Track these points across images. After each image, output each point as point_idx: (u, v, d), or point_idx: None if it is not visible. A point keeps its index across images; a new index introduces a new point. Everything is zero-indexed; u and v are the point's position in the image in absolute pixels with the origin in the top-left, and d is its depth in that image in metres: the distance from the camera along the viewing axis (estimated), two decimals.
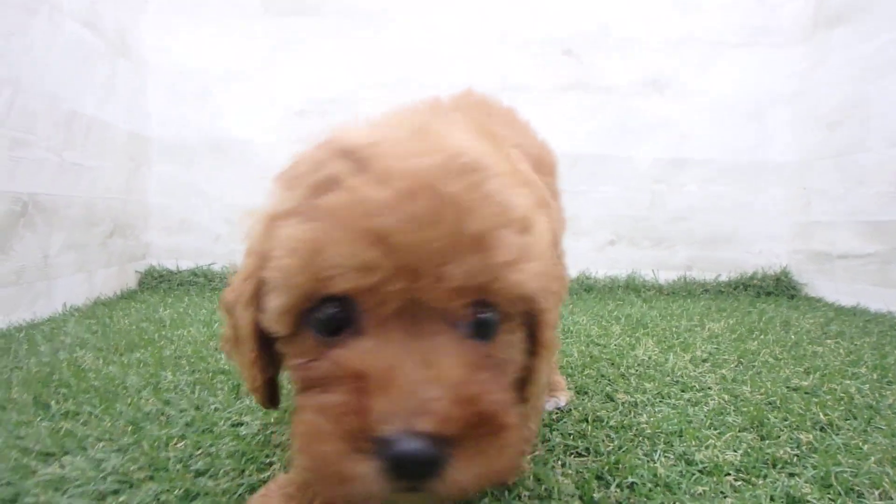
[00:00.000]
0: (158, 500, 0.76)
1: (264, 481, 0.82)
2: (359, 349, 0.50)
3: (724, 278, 2.96)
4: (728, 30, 2.88)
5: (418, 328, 0.50)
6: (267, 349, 0.61)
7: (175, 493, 0.78)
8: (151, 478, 0.82)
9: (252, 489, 0.79)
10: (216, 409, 1.09)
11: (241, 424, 1.02)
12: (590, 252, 2.94)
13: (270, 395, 0.66)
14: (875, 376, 1.47)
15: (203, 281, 2.61)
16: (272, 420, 1.04)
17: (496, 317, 0.54)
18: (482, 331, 0.54)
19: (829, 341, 1.88)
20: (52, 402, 1.07)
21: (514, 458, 0.51)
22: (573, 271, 2.91)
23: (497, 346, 0.55)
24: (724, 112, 2.91)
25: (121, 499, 0.76)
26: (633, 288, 2.86)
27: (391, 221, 0.47)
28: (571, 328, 1.99)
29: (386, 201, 0.48)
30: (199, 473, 0.84)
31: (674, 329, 2.05)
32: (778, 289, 2.89)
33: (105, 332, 1.64)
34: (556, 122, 2.87)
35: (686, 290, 2.90)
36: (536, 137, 1.14)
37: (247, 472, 0.85)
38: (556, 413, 1.18)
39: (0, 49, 1.62)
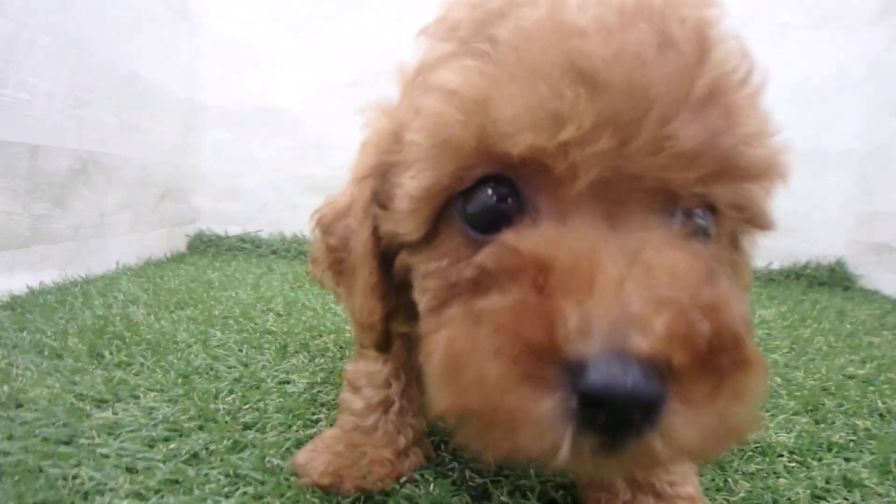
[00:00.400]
0: (207, 448, 0.77)
1: (311, 437, 0.81)
2: (537, 236, 0.35)
3: (776, 266, 2.85)
4: (796, 10, 2.74)
5: (625, 216, 0.35)
6: (385, 274, 0.49)
7: (224, 443, 0.78)
8: (201, 428, 0.83)
9: (299, 444, 0.79)
10: (263, 367, 1.10)
11: (288, 383, 1.03)
12: None
13: (385, 338, 0.53)
14: None
15: (250, 247, 2.64)
16: (318, 380, 1.05)
17: (712, 217, 0.40)
18: (698, 233, 0.39)
19: (886, 332, 1.80)
20: (106, 353, 1.09)
21: (756, 406, 0.34)
22: None
23: (716, 255, 0.41)
24: (787, 96, 2.77)
25: (171, 446, 0.77)
26: None
27: (598, 51, 0.32)
28: None
29: (590, 24, 0.33)
30: (247, 426, 0.85)
31: None
32: (832, 279, 2.77)
33: (156, 291, 1.68)
34: None
35: None
36: None
37: (294, 428, 0.85)
38: None
39: (64, 6, 1.65)
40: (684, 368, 0.30)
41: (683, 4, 0.35)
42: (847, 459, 0.87)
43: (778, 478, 0.81)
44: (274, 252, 2.60)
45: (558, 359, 0.29)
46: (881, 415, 1.07)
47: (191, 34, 2.48)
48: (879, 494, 0.76)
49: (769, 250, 2.86)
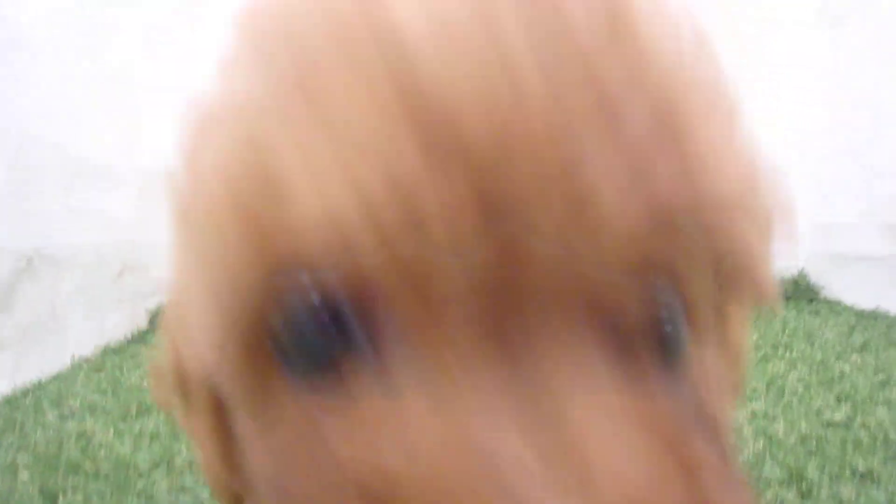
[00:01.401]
0: None
1: None
2: (397, 422, 0.17)
3: None
4: (748, 8, 2.80)
5: (534, 361, 0.18)
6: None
7: None
8: None
9: None
10: None
11: None
12: None
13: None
14: None
15: None
16: None
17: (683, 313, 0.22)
18: (666, 344, 0.21)
19: (854, 356, 1.82)
20: (61, 495, 1.02)
21: None
22: None
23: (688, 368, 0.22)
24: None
25: None
26: None
27: (449, 76, 0.16)
28: None
29: (431, 26, 0.17)
30: None
31: None
32: (796, 292, 2.82)
33: (115, 391, 1.60)
34: None
35: None
36: None
37: None
38: None
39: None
40: None
41: None
42: None
43: None
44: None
45: None
46: (862, 476, 1.07)
47: (138, 103, 2.41)
48: None
49: None
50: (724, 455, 0.19)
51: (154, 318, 2.55)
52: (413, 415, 0.17)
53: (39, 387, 1.65)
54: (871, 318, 2.41)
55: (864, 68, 2.58)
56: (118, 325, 2.26)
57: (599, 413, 0.17)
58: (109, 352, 2.06)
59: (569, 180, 0.17)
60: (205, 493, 1.03)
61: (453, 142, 0.16)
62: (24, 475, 1.09)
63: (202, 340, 0.22)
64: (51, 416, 1.41)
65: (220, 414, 0.26)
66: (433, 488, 0.15)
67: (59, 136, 1.85)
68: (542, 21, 0.17)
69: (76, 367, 1.84)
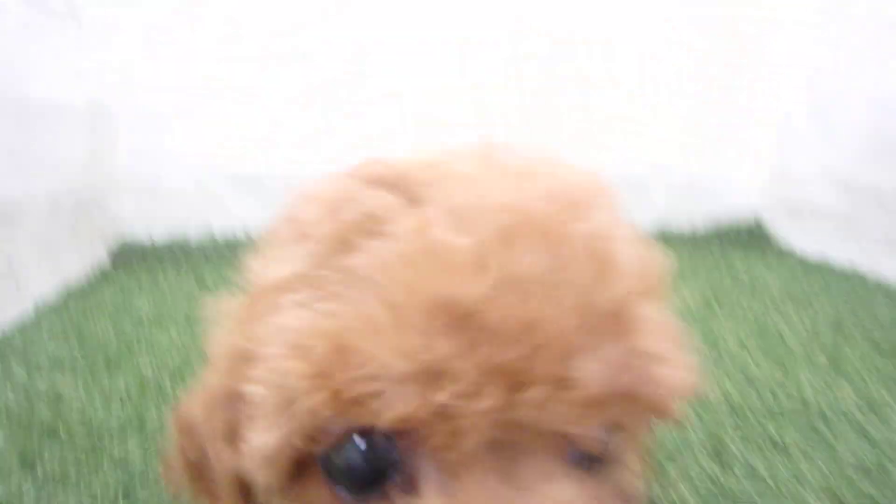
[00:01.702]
0: None
1: None
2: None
3: (699, 227, 3.00)
4: None
5: (524, 474, 0.29)
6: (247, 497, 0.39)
7: None
8: None
9: None
10: None
11: None
12: None
13: None
14: (830, 367, 1.55)
15: (179, 254, 2.55)
16: None
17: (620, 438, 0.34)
18: (606, 456, 0.33)
19: (791, 313, 1.96)
20: (38, 462, 1.09)
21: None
22: None
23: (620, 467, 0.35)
24: (704, 56, 2.83)
25: None
26: None
27: (478, 288, 0.27)
28: None
29: (467, 253, 0.28)
30: None
31: None
32: (750, 239, 2.95)
33: (81, 341, 1.64)
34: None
35: (662, 240, 2.86)
36: None
37: None
38: None
39: None
40: None
41: (570, 217, 0.30)
42: None
43: None
44: (206, 257, 2.53)
45: None
46: (776, 445, 1.20)
47: (83, 36, 2.28)
48: None
49: (691, 211, 3.00)
50: None
51: (116, 257, 2.54)
52: None
53: (4, 341, 1.67)
54: (815, 269, 2.56)
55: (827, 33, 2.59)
56: (78, 268, 2.26)
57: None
58: (72, 296, 2.07)
59: (556, 366, 0.27)
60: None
61: (483, 331, 0.27)
62: (1, 441, 1.15)
63: (255, 454, 0.33)
64: (19, 373, 1.45)
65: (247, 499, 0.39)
66: None
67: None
68: (541, 252, 0.28)
69: (40, 316, 1.86)
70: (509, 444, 0.29)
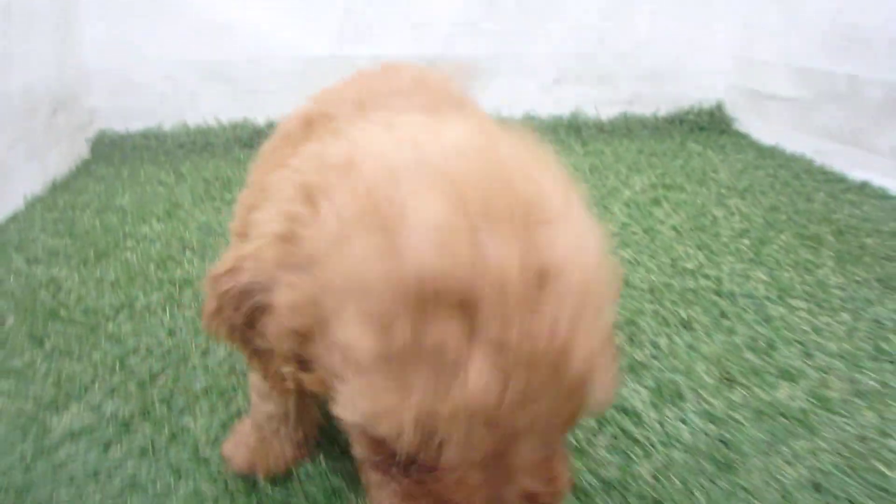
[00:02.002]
0: (153, 444, 1.00)
1: (232, 415, 1.06)
2: (447, 481, 0.45)
3: (662, 113, 3.06)
4: None
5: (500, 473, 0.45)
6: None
7: (164, 435, 1.02)
8: (143, 420, 1.05)
9: (223, 425, 1.04)
10: (187, 334, 1.30)
11: (208, 352, 1.24)
12: (535, 91, 2.97)
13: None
14: (752, 254, 1.72)
15: (155, 144, 2.61)
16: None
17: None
18: None
19: (732, 203, 2.10)
20: (46, 339, 1.26)
21: None
22: (517, 111, 2.97)
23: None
24: None
25: (123, 446, 1.00)
26: (574, 128, 2.96)
27: (500, 405, 0.40)
28: None
29: (500, 387, 0.40)
30: (180, 412, 1.08)
31: (600, 188, 2.23)
32: (711, 124, 3.02)
33: (72, 233, 1.78)
34: None
35: (626, 127, 3.01)
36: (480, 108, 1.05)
37: (218, 409, 1.09)
38: None
39: None
40: None
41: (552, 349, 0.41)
42: (638, 382, 1.19)
43: None
44: (181, 146, 2.60)
45: None
46: (683, 324, 1.38)
47: None
48: (644, 424, 1.08)
49: (656, 97, 3.05)
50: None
51: (96, 148, 2.61)
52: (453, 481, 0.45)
53: (1, 231, 1.80)
54: (769, 156, 2.67)
55: None
56: (62, 162, 2.34)
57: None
58: (58, 189, 2.18)
59: (530, 434, 0.43)
60: (162, 333, 1.29)
61: (480, 419, 0.40)
62: (10, 321, 1.32)
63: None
64: (18, 262, 1.60)
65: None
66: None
67: None
68: (522, 378, 0.40)
69: (30, 208, 1.98)
70: (499, 470, 0.44)
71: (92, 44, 2.48)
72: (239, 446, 0.95)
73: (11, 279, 1.50)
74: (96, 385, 1.14)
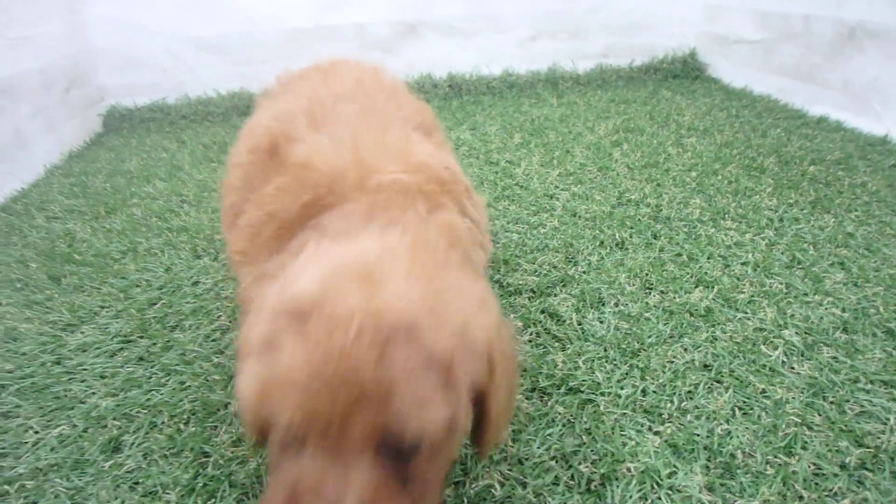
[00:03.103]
0: (149, 352, 1.18)
1: (215, 330, 1.23)
2: (297, 463, 0.60)
3: (637, 63, 3.12)
4: None
5: (342, 454, 0.59)
6: None
7: (158, 346, 1.19)
8: (141, 336, 1.23)
9: (206, 337, 1.21)
10: (181, 269, 1.47)
11: (198, 283, 1.41)
12: (512, 48, 3.04)
13: None
14: (695, 185, 1.82)
15: (160, 115, 2.78)
16: (220, 277, 1.43)
17: (410, 446, 0.61)
18: (401, 456, 0.61)
19: (688, 142, 2.18)
20: (62, 278, 1.44)
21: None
22: (496, 69, 3.06)
23: (417, 465, 0.63)
24: None
25: (124, 354, 1.18)
26: (552, 82, 3.04)
27: (314, 381, 0.57)
28: (476, 144, 2.27)
29: (311, 363, 0.57)
30: (172, 328, 1.25)
31: (566, 134, 2.33)
32: (684, 71, 3.07)
33: (86, 194, 1.95)
34: None
35: (601, 79, 3.08)
36: (412, 100, 1.16)
37: (203, 325, 1.25)
38: None
39: None
40: None
41: (367, 348, 0.57)
42: (565, 293, 1.32)
43: (513, 313, 1.26)
44: (183, 117, 2.76)
45: None
46: (618, 244, 1.51)
47: None
48: (565, 324, 1.22)
49: (630, 48, 3.10)
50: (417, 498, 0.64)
51: (108, 121, 2.78)
52: (305, 462, 0.60)
53: (24, 195, 1.99)
54: (737, 96, 2.73)
55: None
56: (76, 134, 2.52)
57: (358, 477, 0.59)
58: (74, 157, 2.36)
59: (345, 414, 0.58)
60: (160, 270, 1.46)
61: (318, 398, 0.57)
62: (32, 266, 1.51)
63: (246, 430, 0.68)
64: (39, 219, 1.78)
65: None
66: (307, 482, 0.60)
67: None
68: (346, 370, 0.57)
69: (49, 175, 2.16)
70: (340, 436, 0.58)
71: (98, 25, 2.63)
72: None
73: (34, 233, 1.69)
74: (104, 311, 1.31)
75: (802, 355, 1.12)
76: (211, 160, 2.22)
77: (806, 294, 1.29)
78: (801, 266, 1.38)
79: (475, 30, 2.96)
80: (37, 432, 1.00)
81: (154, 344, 1.20)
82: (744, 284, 1.32)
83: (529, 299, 1.30)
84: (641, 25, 3.05)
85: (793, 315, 1.22)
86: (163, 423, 1.00)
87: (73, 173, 2.16)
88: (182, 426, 0.99)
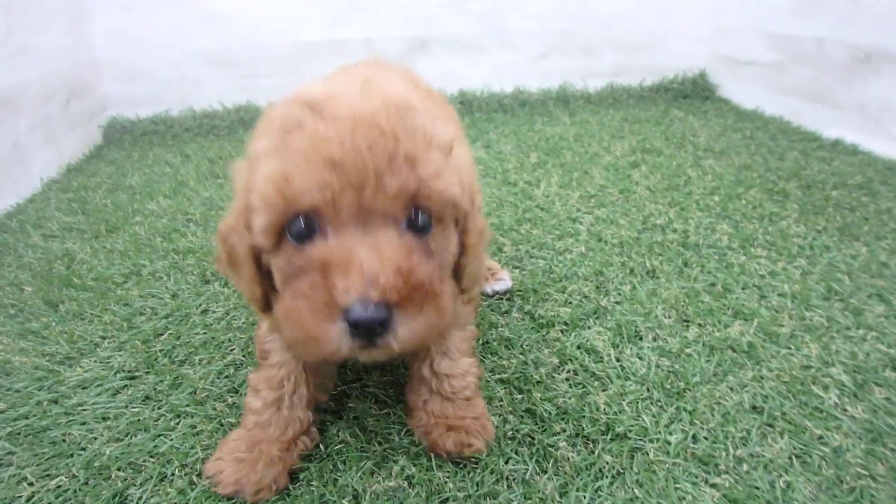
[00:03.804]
0: (156, 390, 1.08)
1: (228, 365, 1.13)
2: (324, 245, 0.63)
3: (647, 83, 3.06)
4: None
5: (368, 227, 0.62)
6: (260, 268, 0.74)
7: (166, 383, 1.09)
8: (147, 371, 1.12)
9: (220, 373, 1.11)
10: (188, 296, 1.37)
11: (208, 311, 1.31)
12: (523, 66, 2.98)
13: (266, 303, 0.77)
14: (720, 209, 1.74)
15: (164, 129, 2.67)
16: (232, 305, 1.33)
17: (428, 218, 0.67)
18: (419, 228, 0.66)
19: (707, 164, 2.12)
20: (60, 304, 1.34)
21: (445, 318, 0.65)
22: (508, 86, 2.99)
23: (432, 239, 0.68)
24: None
25: (129, 392, 1.07)
26: (563, 99, 2.97)
27: (340, 151, 0.59)
28: (492, 163, 2.20)
29: (336, 136, 0.60)
30: (180, 363, 1.15)
31: (582, 154, 2.26)
32: (695, 91, 3.02)
33: (85, 211, 1.85)
34: None
35: (612, 98, 3.02)
36: (439, 96, 1.15)
37: (215, 359, 1.15)
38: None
39: None
40: (398, 302, 0.59)
41: (386, 115, 0.62)
42: (600, 324, 1.23)
43: (547, 345, 1.17)
44: (187, 130, 2.66)
45: (336, 307, 0.59)
46: (649, 272, 1.42)
47: None
48: (603, 361, 1.14)
49: (640, 67, 3.05)
50: (436, 268, 0.68)
51: (108, 133, 2.68)
52: (330, 243, 0.64)
53: (19, 210, 1.88)
54: (748, 118, 2.67)
55: None
56: (76, 147, 2.41)
57: (388, 244, 0.63)
58: (73, 172, 2.24)
59: (374, 179, 0.62)
60: (166, 297, 1.36)
61: (343, 169, 0.61)
62: (28, 290, 1.40)
63: (258, 232, 0.67)
64: (36, 237, 1.67)
65: (258, 267, 0.74)
66: (338, 258, 0.62)
67: None
68: (369, 137, 0.62)
69: (46, 190, 2.05)
70: (364, 217, 0.63)
71: (102, 35, 2.53)
72: (225, 463, 0.87)
73: (30, 253, 1.58)
74: (106, 342, 1.21)
75: (855, 396, 1.04)
76: (217, 176, 2.12)
77: (848, 328, 1.21)
78: (839, 297, 1.31)
79: (486, 46, 2.89)
80: (31, 484, 0.88)
81: (161, 381, 1.09)
82: (783, 317, 1.24)
83: (563, 332, 1.21)
84: (651, 45, 3.00)
85: (838, 351, 1.15)
86: (173, 474, 0.90)
87: (72, 188, 2.05)
88: (195, 478, 0.89)
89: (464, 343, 0.96)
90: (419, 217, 0.66)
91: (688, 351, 1.15)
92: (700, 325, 1.22)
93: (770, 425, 0.98)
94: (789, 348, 1.15)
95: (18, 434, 0.98)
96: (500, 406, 1.03)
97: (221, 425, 0.99)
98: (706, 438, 0.95)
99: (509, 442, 0.95)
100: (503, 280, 1.34)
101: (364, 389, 1.08)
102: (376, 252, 0.60)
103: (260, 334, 0.96)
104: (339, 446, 0.95)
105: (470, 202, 0.74)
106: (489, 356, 1.15)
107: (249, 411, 0.92)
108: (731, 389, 1.05)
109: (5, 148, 1.92)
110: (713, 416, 0.99)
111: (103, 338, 1.22)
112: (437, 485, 0.87)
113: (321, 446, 0.95)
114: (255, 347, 0.99)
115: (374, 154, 0.59)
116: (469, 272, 0.79)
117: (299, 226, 0.64)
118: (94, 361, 1.15)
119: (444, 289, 0.65)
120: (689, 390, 1.05)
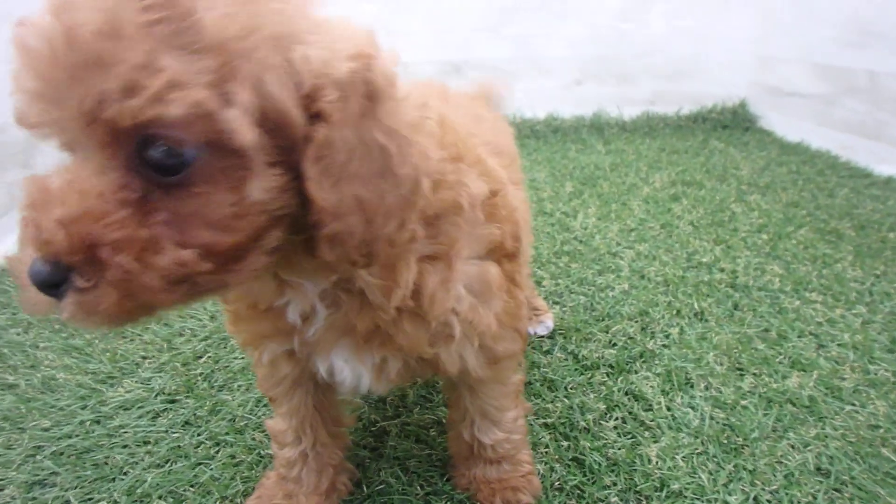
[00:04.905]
0: (195, 415, 1.05)
1: None
2: (43, 176, 0.47)
3: (685, 111, 3.00)
4: None
5: (88, 154, 0.45)
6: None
7: (205, 408, 1.06)
8: (187, 395, 1.10)
9: (258, 401, 1.08)
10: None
11: None
12: (557, 91, 2.95)
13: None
14: (769, 249, 1.68)
15: None
16: None
17: (185, 153, 0.43)
18: (162, 167, 0.43)
19: (752, 199, 2.05)
20: None
21: (122, 299, 0.44)
22: (541, 112, 2.95)
23: (190, 183, 0.44)
24: None
25: (169, 416, 1.05)
26: (597, 127, 2.93)
27: (38, 53, 0.42)
28: (526, 191, 2.16)
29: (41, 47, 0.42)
30: (219, 388, 1.12)
31: (620, 185, 2.21)
32: (734, 121, 2.95)
33: None
34: None
35: (648, 126, 2.97)
36: (497, 123, 1.09)
37: (252, 387, 1.13)
38: None
39: None
40: (77, 266, 0.43)
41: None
42: (647, 369, 1.18)
43: (592, 390, 1.12)
44: None
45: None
46: (696, 314, 1.36)
47: None
48: (653, 409, 1.08)
49: (678, 95, 2.99)
50: (170, 236, 0.45)
51: None
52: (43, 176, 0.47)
53: None
54: (792, 151, 2.60)
55: None
56: None
57: (79, 186, 0.44)
58: None
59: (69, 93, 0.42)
60: (205, 318, 1.34)
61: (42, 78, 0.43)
62: None
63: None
64: None
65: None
66: (37, 203, 0.45)
67: None
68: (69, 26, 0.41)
69: None
70: (84, 144, 0.44)
71: None
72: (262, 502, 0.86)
73: None
74: (146, 362, 1.19)
75: None
76: None
77: None
78: None
79: (519, 72, 2.87)
80: None
81: (201, 406, 1.07)
82: (845, 370, 1.17)
83: (608, 375, 1.16)
84: (690, 73, 2.95)
85: None
86: None
87: None
88: None
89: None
90: (159, 152, 0.43)
91: (743, 403, 1.08)
92: (755, 374, 1.16)
93: (838, 490, 0.91)
94: (853, 404, 1.08)
95: (62, 454, 0.97)
96: (546, 453, 0.98)
97: (261, 457, 0.96)
98: (769, 502, 0.89)
99: (557, 493, 0.90)
100: (545, 323, 1.29)
101: (405, 427, 1.04)
102: (61, 199, 0.44)
103: (258, 380, 0.85)
104: (381, 486, 0.91)
105: (311, 107, 0.47)
106: (532, 398, 1.10)
107: (278, 461, 0.87)
108: (793, 448, 0.98)
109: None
110: (775, 476, 0.93)
111: (144, 357, 1.21)
112: None
113: (363, 485, 0.91)
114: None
115: (67, 54, 0.43)
116: (322, 220, 0.48)
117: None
118: (136, 382, 1.13)
119: (131, 261, 0.44)
120: (748, 446, 0.99)
